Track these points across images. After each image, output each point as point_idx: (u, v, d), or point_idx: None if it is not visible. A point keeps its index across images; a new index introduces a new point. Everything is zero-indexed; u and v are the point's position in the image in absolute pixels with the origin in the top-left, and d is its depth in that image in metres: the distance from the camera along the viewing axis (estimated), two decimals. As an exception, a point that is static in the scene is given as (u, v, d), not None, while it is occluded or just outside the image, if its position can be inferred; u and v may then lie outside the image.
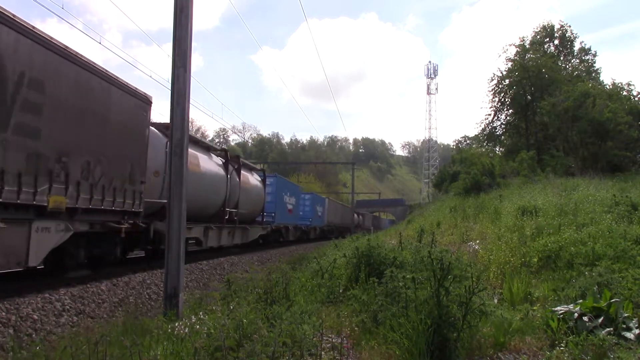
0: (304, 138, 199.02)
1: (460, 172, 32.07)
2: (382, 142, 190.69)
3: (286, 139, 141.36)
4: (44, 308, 7.39)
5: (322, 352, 4.23)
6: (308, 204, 35.59)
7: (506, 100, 36.03)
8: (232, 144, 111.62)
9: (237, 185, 18.09)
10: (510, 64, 35.58)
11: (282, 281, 6.78)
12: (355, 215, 56.33)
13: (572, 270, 7.22)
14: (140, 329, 5.53)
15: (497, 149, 39.51)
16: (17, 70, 7.09)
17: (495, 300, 6.61)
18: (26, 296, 7.61)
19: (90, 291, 8.70)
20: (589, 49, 39.79)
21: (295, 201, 30.90)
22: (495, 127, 37.79)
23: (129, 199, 10.29)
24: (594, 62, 39.19)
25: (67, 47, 8.20)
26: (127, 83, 10.33)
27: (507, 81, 35.27)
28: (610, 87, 29.17)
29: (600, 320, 4.79)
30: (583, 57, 39.64)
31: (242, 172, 18.88)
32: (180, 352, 4.26)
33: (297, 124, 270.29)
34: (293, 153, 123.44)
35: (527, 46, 37.31)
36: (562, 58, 39.17)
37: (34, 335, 6.61)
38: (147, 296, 9.98)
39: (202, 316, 5.67)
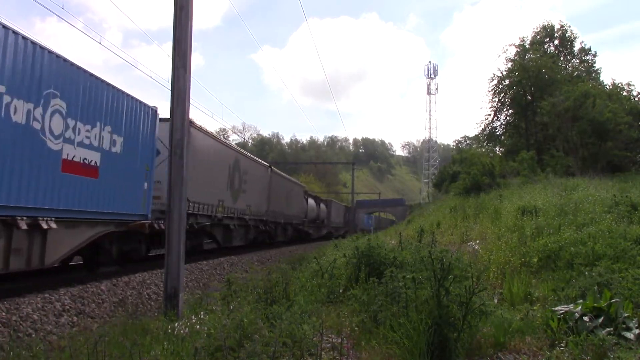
0: (304, 138, 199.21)
1: (460, 172, 32.09)
2: (382, 142, 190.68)
3: (286, 139, 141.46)
4: (44, 308, 7.39)
5: (322, 352, 4.22)
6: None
7: (506, 100, 36.05)
8: (232, 143, 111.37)
9: None
10: (510, 64, 35.64)
11: (282, 281, 6.78)
12: (312, 201, 33.70)
13: (572, 270, 7.21)
14: (141, 329, 5.53)
15: (497, 149, 39.51)
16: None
17: (495, 300, 6.60)
18: (26, 296, 7.61)
19: (90, 291, 8.69)
20: (589, 49, 39.75)
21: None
22: (495, 127, 37.82)
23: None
24: (594, 63, 39.16)
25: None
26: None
27: (507, 81, 35.28)
28: (610, 87, 29.20)
29: (600, 320, 4.78)
30: (583, 57, 39.58)
31: None
32: (180, 352, 4.25)
33: (297, 124, 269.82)
34: (293, 153, 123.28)
35: (527, 46, 37.33)
36: (562, 58, 39.11)
37: (34, 335, 6.60)
38: (147, 296, 9.97)
39: (202, 316, 5.67)
